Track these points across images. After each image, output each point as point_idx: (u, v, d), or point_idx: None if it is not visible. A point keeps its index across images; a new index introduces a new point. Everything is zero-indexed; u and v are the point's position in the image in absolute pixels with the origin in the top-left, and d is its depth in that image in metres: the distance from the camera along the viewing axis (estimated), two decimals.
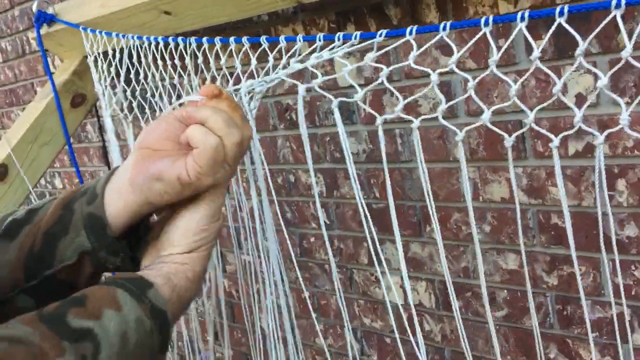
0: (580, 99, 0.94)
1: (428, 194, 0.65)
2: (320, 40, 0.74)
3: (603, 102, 0.92)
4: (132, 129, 1.32)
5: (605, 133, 0.72)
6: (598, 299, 1.01)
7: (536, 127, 0.93)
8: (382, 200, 1.25)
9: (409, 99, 0.73)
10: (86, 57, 1.51)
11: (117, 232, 0.58)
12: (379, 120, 0.72)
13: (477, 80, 0.65)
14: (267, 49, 0.80)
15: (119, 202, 0.57)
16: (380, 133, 0.71)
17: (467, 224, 1.12)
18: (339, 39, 0.78)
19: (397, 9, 1.08)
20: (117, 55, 1.26)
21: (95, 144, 1.94)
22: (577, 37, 0.59)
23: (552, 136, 0.72)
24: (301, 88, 0.69)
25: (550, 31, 0.55)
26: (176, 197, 0.57)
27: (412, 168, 1.18)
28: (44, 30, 1.48)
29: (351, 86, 0.99)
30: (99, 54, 1.31)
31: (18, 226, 0.60)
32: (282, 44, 0.79)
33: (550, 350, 1.10)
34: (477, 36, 0.60)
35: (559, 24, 0.61)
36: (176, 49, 1.06)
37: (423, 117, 0.66)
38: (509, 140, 0.76)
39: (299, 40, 0.76)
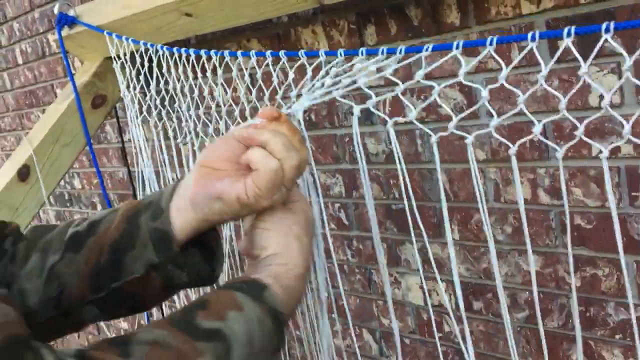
0: (603, 100, 0.93)
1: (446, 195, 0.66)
2: (363, 54, 0.75)
3: (627, 102, 0.92)
4: (156, 134, 1.33)
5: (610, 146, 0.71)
6: (622, 301, 1.01)
7: (540, 137, 0.92)
8: (402, 201, 1.25)
9: (422, 105, 0.73)
10: (107, 58, 1.53)
11: (180, 246, 0.60)
12: (390, 123, 0.73)
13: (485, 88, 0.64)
14: (305, 63, 0.80)
15: (180, 218, 0.59)
16: (392, 135, 0.71)
17: (489, 225, 1.12)
18: (362, 54, 0.79)
19: (417, 10, 1.08)
20: (138, 59, 1.27)
21: (114, 145, 1.95)
22: (624, 53, 0.59)
23: (509, 144, 0.71)
24: (356, 109, 0.71)
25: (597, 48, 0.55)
26: (234, 217, 0.60)
27: (433, 169, 1.18)
28: (65, 32, 1.50)
29: (370, 87, 0.99)
30: (126, 60, 1.32)
31: (81, 238, 0.62)
32: (322, 57, 0.80)
33: (573, 352, 1.09)
34: (523, 53, 0.60)
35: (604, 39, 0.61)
36: (198, 60, 1.06)
37: (441, 131, 0.66)
38: (513, 149, 0.75)
39: (340, 55, 0.77)
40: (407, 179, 0.68)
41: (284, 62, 0.86)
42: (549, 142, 0.78)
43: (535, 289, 0.64)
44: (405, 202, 0.72)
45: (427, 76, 1.16)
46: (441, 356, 0.89)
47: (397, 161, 0.75)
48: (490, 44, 0.75)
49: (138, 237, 0.60)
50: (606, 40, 0.65)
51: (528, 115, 0.75)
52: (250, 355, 0.52)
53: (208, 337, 0.50)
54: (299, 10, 1.09)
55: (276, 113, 0.61)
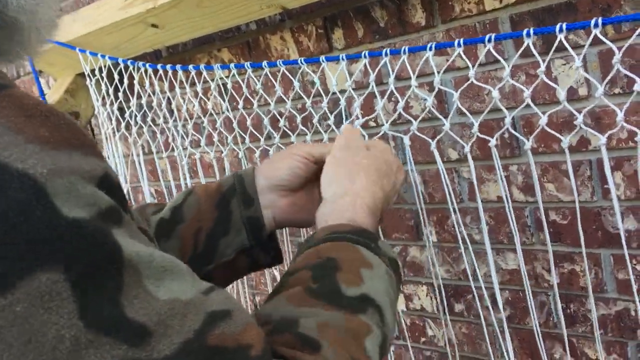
0: (571, 93, 0.92)
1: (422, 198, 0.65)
2: (324, 62, 0.75)
3: (595, 94, 0.91)
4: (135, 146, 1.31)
5: (607, 133, 0.70)
6: (601, 296, 0.99)
7: (513, 132, 0.91)
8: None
9: (394, 116, 0.72)
10: (78, 75, 1.51)
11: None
12: (406, 139, 0.74)
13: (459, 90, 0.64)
14: (268, 73, 0.80)
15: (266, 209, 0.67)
16: (407, 144, 0.70)
17: (465, 225, 1.11)
18: (323, 60, 0.79)
19: (383, 11, 1.07)
20: (112, 76, 1.26)
21: None
22: (615, 49, 0.61)
23: (489, 138, 0.72)
24: (386, 126, 0.71)
25: (553, 49, 0.54)
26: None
27: (407, 171, 1.17)
28: None
29: (342, 90, 0.98)
30: (102, 76, 1.30)
31: (169, 225, 0.66)
32: (282, 67, 0.79)
33: (555, 350, 1.07)
34: (483, 53, 0.59)
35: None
36: (173, 74, 1.05)
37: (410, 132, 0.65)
38: (493, 142, 0.75)
39: (300, 62, 0.76)
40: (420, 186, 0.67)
41: (252, 74, 0.85)
42: (518, 134, 0.78)
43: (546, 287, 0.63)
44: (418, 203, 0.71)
45: (397, 77, 1.16)
46: None
47: (410, 169, 0.77)
48: (459, 45, 0.75)
49: (232, 224, 0.65)
50: (567, 38, 0.67)
51: (502, 108, 0.75)
52: (394, 314, 0.51)
53: (362, 306, 0.48)
54: (263, 16, 1.08)
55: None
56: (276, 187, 0.67)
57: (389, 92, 0.88)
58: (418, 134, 0.84)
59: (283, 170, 0.67)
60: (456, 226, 0.74)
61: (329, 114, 0.96)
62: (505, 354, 0.82)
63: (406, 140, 0.88)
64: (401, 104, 0.85)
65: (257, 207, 0.66)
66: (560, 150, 0.96)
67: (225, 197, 0.67)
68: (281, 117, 1.34)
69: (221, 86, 1.35)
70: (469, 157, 0.76)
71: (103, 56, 1.21)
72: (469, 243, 0.96)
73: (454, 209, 0.88)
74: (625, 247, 0.70)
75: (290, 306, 0.47)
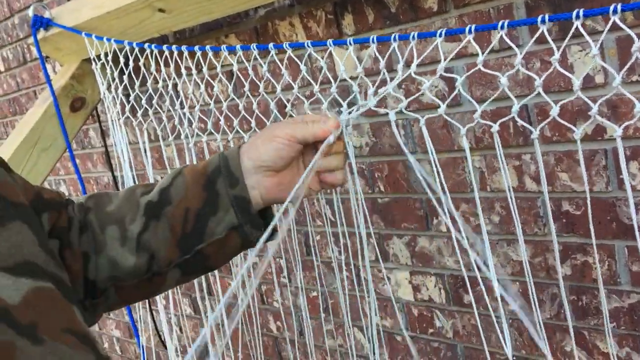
0: (587, 81, 0.90)
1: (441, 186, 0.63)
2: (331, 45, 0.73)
3: (611, 82, 0.89)
4: (139, 132, 1.30)
5: (624, 125, 0.67)
6: (614, 288, 0.97)
7: (519, 121, 0.89)
8: (388, 194, 1.22)
9: (409, 99, 0.70)
10: (85, 60, 1.50)
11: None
12: (422, 120, 0.73)
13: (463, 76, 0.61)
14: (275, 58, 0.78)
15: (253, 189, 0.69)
16: (425, 131, 0.68)
17: (475, 215, 1.09)
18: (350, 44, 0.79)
19: None
20: (120, 59, 1.24)
21: (98, 150, 1.92)
22: (634, 36, 0.59)
23: (491, 123, 0.70)
24: (392, 114, 0.77)
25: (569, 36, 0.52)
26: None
27: (417, 160, 1.15)
28: (40, 35, 1.47)
29: (351, 77, 0.96)
30: (107, 60, 1.28)
31: (157, 207, 0.69)
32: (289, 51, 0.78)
33: (566, 343, 1.06)
34: (495, 40, 0.57)
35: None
36: (180, 55, 1.04)
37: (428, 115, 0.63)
38: (495, 127, 0.73)
39: (307, 46, 0.75)
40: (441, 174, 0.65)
41: (258, 56, 0.83)
42: (525, 124, 0.75)
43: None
44: (431, 194, 0.69)
45: (408, 63, 1.13)
46: (433, 352, 0.86)
47: (430, 153, 0.77)
48: (470, 32, 0.73)
49: (219, 204, 0.68)
50: (583, 24, 0.64)
51: (510, 96, 0.73)
52: None
53: None
54: (269, 1, 1.05)
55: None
56: (261, 168, 0.68)
57: (397, 79, 0.85)
58: (411, 115, 0.82)
59: (267, 152, 0.68)
60: (453, 224, 0.72)
61: (340, 100, 0.94)
62: (503, 343, 0.80)
63: (424, 128, 0.85)
64: (405, 102, 0.83)
65: (243, 186, 0.68)
66: (575, 139, 0.94)
67: (211, 179, 0.69)
68: (288, 103, 1.32)
69: (228, 72, 1.33)
70: (465, 143, 0.73)
71: (109, 40, 1.19)
72: (484, 232, 0.94)
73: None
74: (638, 238, 0.68)
75: None
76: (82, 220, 0.69)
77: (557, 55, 0.68)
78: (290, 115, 1.02)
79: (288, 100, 0.94)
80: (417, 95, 0.97)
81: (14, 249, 0.50)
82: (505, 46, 0.95)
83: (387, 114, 0.83)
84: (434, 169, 0.76)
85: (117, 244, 0.67)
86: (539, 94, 0.73)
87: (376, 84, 0.80)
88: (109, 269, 0.67)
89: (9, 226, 0.52)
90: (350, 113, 0.76)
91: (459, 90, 0.91)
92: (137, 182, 1.64)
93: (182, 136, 1.12)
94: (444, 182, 0.78)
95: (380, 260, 1.28)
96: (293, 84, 0.94)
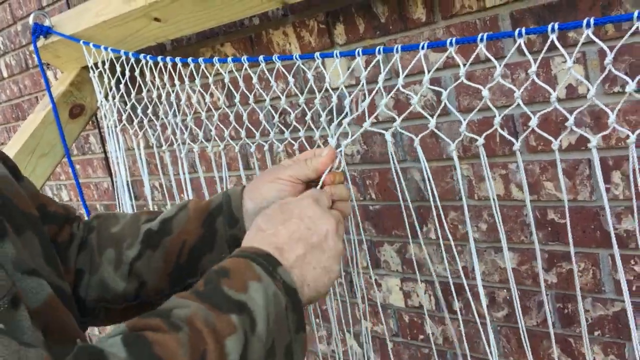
0: (571, 91, 0.92)
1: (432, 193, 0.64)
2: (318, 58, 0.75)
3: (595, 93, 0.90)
4: (137, 140, 1.32)
5: (599, 135, 0.69)
6: (599, 296, 0.98)
7: (502, 132, 0.91)
8: (379, 202, 1.24)
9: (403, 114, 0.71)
10: (84, 68, 1.52)
11: None
12: (416, 141, 0.73)
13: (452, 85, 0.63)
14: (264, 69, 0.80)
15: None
16: (419, 150, 0.70)
17: (464, 223, 1.10)
18: (337, 56, 0.81)
19: (384, 7, 1.07)
20: (117, 68, 1.26)
21: (98, 156, 1.95)
22: (607, 49, 0.61)
23: (476, 137, 0.71)
24: (388, 135, 0.81)
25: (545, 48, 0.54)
26: None
27: (407, 168, 1.16)
28: (41, 42, 1.49)
29: (339, 87, 0.97)
30: (104, 69, 1.31)
31: (156, 237, 0.69)
32: (278, 63, 0.79)
33: (553, 350, 1.06)
34: (475, 53, 0.58)
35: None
36: (165, 67, 1.06)
37: (412, 128, 0.64)
38: (481, 141, 0.75)
39: (296, 59, 0.76)
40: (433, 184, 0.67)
41: (253, 66, 0.85)
42: (508, 136, 0.77)
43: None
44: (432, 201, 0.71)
45: (397, 73, 1.15)
46: (424, 359, 0.87)
47: (422, 163, 0.76)
48: (451, 44, 0.75)
49: (216, 242, 0.69)
50: (567, 36, 0.65)
51: (492, 107, 0.74)
52: (268, 331, 0.51)
53: (235, 308, 0.50)
54: (263, 10, 1.08)
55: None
56: (262, 210, 0.67)
57: (376, 90, 0.87)
58: (405, 134, 0.84)
59: (270, 193, 0.69)
60: (445, 227, 0.73)
61: (320, 111, 0.96)
62: (487, 349, 0.81)
63: (419, 148, 0.85)
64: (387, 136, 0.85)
65: (242, 226, 0.69)
66: (559, 148, 0.96)
67: (212, 215, 0.70)
68: (285, 112, 1.34)
69: (223, 81, 1.35)
70: (455, 155, 0.75)
71: (106, 48, 1.22)
72: (472, 241, 0.96)
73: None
74: (615, 246, 0.69)
75: (173, 301, 0.51)
76: (84, 238, 0.71)
77: (534, 67, 0.70)
78: (280, 123, 1.04)
79: (285, 110, 0.96)
80: (407, 112, 0.99)
81: (27, 259, 0.52)
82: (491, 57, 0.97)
83: (379, 122, 0.85)
84: (425, 176, 0.78)
85: (110, 267, 0.69)
86: (527, 104, 0.74)
87: (366, 100, 0.82)
88: (99, 290, 0.69)
89: (24, 236, 0.55)
90: (343, 128, 0.79)
91: (446, 101, 0.93)
92: (131, 189, 1.66)
93: (175, 145, 1.14)
94: (434, 190, 0.80)
95: (370, 267, 1.30)
96: (281, 95, 0.96)
